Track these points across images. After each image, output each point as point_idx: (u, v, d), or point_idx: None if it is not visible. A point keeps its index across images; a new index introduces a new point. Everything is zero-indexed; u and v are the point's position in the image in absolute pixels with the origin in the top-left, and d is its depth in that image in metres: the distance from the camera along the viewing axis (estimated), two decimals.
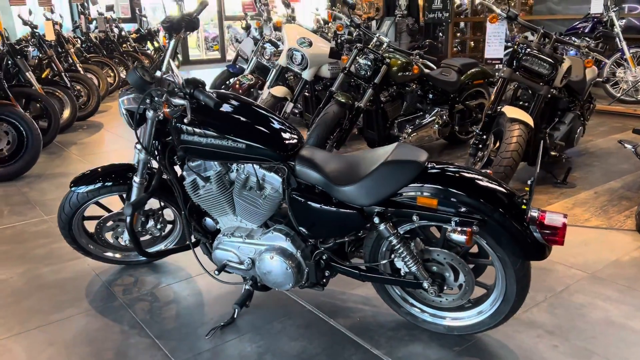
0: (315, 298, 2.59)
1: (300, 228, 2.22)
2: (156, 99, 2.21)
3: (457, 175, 2.03)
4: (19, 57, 6.05)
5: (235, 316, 2.37)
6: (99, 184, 2.60)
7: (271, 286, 2.33)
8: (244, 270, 2.36)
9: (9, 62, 6.12)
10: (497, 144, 3.64)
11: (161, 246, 2.88)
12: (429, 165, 2.06)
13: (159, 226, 2.72)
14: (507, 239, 1.95)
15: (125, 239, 2.68)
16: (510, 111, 3.59)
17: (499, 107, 3.73)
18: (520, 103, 3.99)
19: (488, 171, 2.12)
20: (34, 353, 2.23)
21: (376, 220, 2.06)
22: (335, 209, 2.12)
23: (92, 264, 2.95)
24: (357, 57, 4.43)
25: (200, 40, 15.72)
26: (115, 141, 6.01)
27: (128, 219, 2.40)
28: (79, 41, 9.37)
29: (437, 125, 4.80)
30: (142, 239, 2.78)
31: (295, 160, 2.18)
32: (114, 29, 10.84)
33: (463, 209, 1.95)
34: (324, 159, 2.19)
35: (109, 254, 2.85)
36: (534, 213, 1.95)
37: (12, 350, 2.25)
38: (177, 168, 2.43)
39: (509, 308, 2.10)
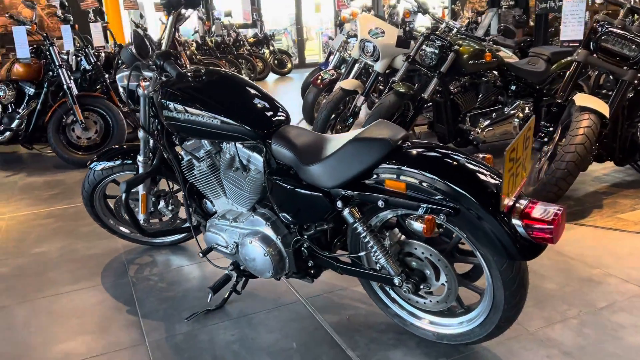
0: (312, 291, 2.42)
1: (282, 213, 2.07)
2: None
3: (436, 156, 1.75)
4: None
5: (209, 300, 2.28)
6: (112, 162, 2.67)
7: (253, 273, 2.21)
8: (229, 254, 2.27)
9: (120, 61, 6.69)
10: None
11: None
12: (405, 145, 1.81)
13: (170, 207, 2.73)
14: (484, 233, 1.63)
15: (141, 217, 2.73)
16: (582, 99, 3.09)
17: (571, 95, 3.24)
18: (604, 92, 3.43)
19: (486, 156, 1.80)
20: (27, 319, 2.34)
21: (339, 204, 1.85)
22: (303, 191, 1.94)
23: (123, 243, 3.06)
24: (423, 45, 4.14)
25: (319, 43, 16.03)
26: None
27: (123, 196, 2.43)
28: (195, 44, 9.99)
29: (517, 120, 4.32)
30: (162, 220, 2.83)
31: (272, 138, 2.04)
32: (231, 33, 11.44)
33: (436, 196, 1.67)
34: (302, 137, 2.03)
35: (126, 230, 2.92)
36: (522, 204, 1.62)
37: (9, 315, 2.38)
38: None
39: (499, 317, 1.77)
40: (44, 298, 2.51)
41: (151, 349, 2.07)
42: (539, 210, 1.59)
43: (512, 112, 4.36)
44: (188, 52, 9.30)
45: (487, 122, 4.30)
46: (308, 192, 1.92)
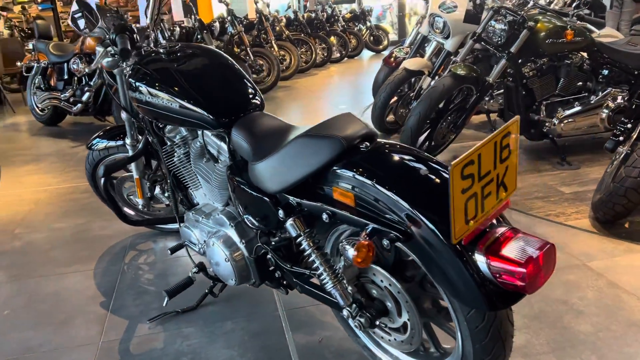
0: (297, 302, 2.13)
1: (244, 215, 1.80)
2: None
3: (397, 164, 1.37)
4: (205, 31, 6.57)
5: (165, 304, 2.08)
6: (113, 142, 2.54)
7: (219, 277, 1.96)
8: (199, 254, 2.05)
9: (198, 36, 6.70)
10: None
11: None
12: (363, 146, 1.43)
13: (166, 194, 2.56)
14: (439, 268, 1.24)
15: (139, 202, 2.58)
16: None
17: None
18: None
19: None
20: (7, 300, 2.29)
21: (281, 213, 1.53)
22: (253, 193, 1.65)
23: (134, 227, 2.95)
24: (492, 20, 3.58)
25: None
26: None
27: (102, 180, 2.29)
28: (284, 20, 9.84)
29: (606, 111, 3.63)
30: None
31: (233, 127, 1.76)
32: (326, 9, 11.15)
33: (388, 214, 1.30)
34: (265, 128, 1.72)
35: (132, 212, 2.80)
36: (497, 233, 1.20)
37: None
38: None
39: None
40: (33, 279, 2.47)
41: (99, 352, 1.91)
42: (513, 246, 1.17)
43: (600, 101, 3.67)
44: (277, 28, 9.19)
45: (568, 112, 3.66)
46: (255, 194, 1.62)
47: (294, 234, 1.53)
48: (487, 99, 4.04)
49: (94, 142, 2.58)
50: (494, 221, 1.26)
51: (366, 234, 1.27)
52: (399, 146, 1.44)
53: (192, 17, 6.80)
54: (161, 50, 1.97)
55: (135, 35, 1.95)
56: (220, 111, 1.77)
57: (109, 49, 2.00)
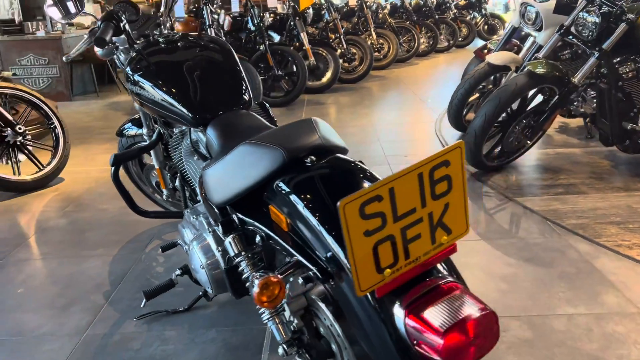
0: None
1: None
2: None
3: (341, 186, 1.15)
4: (298, 18, 6.51)
5: (142, 305, 2.00)
6: (140, 129, 2.52)
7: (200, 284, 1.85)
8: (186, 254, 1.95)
9: (291, 22, 6.66)
10: None
11: None
12: (308, 160, 1.22)
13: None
14: (357, 320, 1.01)
15: (164, 193, 2.56)
16: None
17: None
18: None
19: None
20: (27, 277, 2.37)
21: (219, 230, 1.36)
22: (206, 202, 1.50)
23: None
24: (583, 11, 3.08)
25: None
26: (356, 112, 5.90)
27: (112, 170, 2.26)
28: (388, 7, 9.52)
29: None
30: None
31: (209, 126, 1.62)
32: None
33: (317, 248, 1.09)
34: (237, 127, 1.56)
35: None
36: (427, 287, 0.95)
37: (17, 270, 2.45)
38: None
39: None
40: (58, 259, 2.54)
41: (80, 345, 1.89)
42: (441, 307, 0.91)
43: None
44: (380, 16, 8.91)
45: None
46: (207, 204, 1.47)
47: (231, 254, 1.36)
48: (578, 101, 3.53)
49: (124, 128, 2.58)
50: (443, 271, 1.00)
51: (281, 269, 1.08)
52: (353, 164, 1.22)
53: (287, 3, 6.76)
54: (160, 40, 1.88)
55: (123, 24, 1.87)
56: (198, 107, 1.64)
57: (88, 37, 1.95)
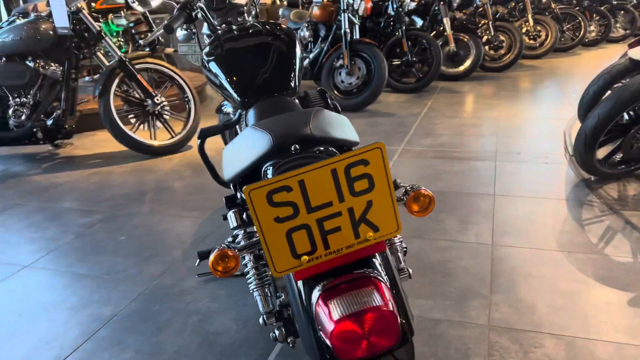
0: None
1: None
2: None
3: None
4: (442, 3, 6.36)
5: (197, 264, 2.22)
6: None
7: None
8: None
9: (436, 7, 6.52)
10: None
11: None
12: (293, 149, 1.29)
13: None
14: (290, 300, 1.09)
15: None
16: None
17: None
18: None
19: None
20: (128, 227, 2.77)
21: (227, 207, 1.49)
22: None
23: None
24: None
25: None
26: (490, 105, 5.64)
27: (198, 143, 2.51)
28: None
29: None
30: None
31: (250, 108, 1.76)
32: None
33: None
34: (267, 113, 1.68)
35: None
36: (352, 277, 1.00)
37: (126, 221, 2.86)
38: None
39: None
40: (160, 215, 2.92)
41: (147, 290, 2.20)
42: (344, 300, 0.95)
43: None
44: (544, 1, 8.28)
45: None
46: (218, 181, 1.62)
47: (231, 226, 1.49)
48: None
49: (222, 105, 2.84)
50: (372, 266, 1.03)
51: (244, 244, 1.19)
52: (324, 151, 1.27)
53: None
54: (234, 28, 2.05)
55: (195, 13, 2.07)
56: (244, 91, 1.79)
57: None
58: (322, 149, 1.32)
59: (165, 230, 2.73)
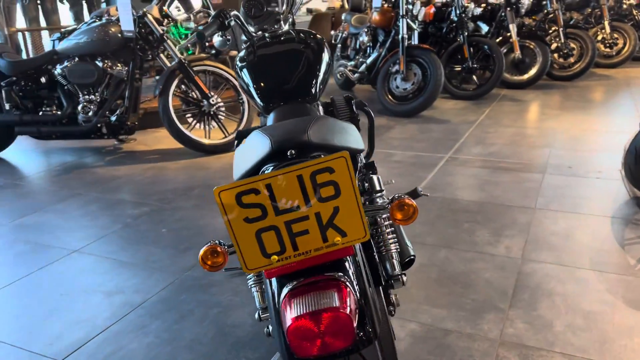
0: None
1: None
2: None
3: None
4: (509, 9, 6.21)
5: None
6: None
7: None
8: None
9: (502, 13, 6.37)
10: None
11: None
12: (288, 153, 1.35)
13: None
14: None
15: None
16: None
17: None
18: None
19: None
20: (171, 220, 2.93)
21: None
22: None
23: None
24: None
25: None
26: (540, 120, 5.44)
27: (235, 143, 2.62)
28: None
29: None
30: None
31: (271, 113, 1.84)
32: None
33: None
34: (283, 118, 1.75)
35: None
36: (321, 278, 1.06)
37: (167, 213, 3.02)
38: None
39: None
40: (202, 210, 3.06)
41: (177, 281, 2.33)
42: (306, 299, 1.00)
43: None
44: (624, 6, 7.86)
45: None
46: None
47: None
48: None
49: None
50: (342, 269, 1.08)
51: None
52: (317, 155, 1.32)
53: None
54: (266, 35, 2.14)
55: (227, 21, 2.16)
56: (266, 97, 1.87)
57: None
58: (320, 154, 1.37)
59: (204, 225, 2.87)
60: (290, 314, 0.98)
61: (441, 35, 6.15)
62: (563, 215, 2.79)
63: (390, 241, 1.49)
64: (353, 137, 1.51)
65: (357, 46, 6.05)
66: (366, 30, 5.82)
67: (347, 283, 1.05)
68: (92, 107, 4.07)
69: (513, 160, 3.70)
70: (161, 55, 4.14)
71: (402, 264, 1.64)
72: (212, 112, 4.19)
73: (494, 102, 5.65)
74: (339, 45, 6.42)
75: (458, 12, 5.83)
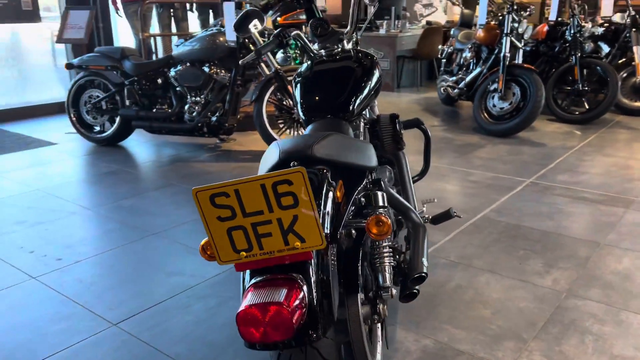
0: None
1: None
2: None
3: None
4: (635, 30, 5.80)
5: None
6: None
7: None
8: None
9: (627, 34, 5.96)
10: None
11: None
12: (292, 164, 1.50)
13: None
14: None
15: None
16: None
17: None
18: None
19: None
20: None
21: None
22: None
23: None
24: None
25: None
26: None
27: None
28: None
29: None
30: None
31: (309, 126, 2.01)
32: None
33: None
34: (316, 131, 1.89)
35: None
36: (279, 277, 1.21)
37: None
38: None
39: None
40: None
41: (227, 273, 2.57)
42: (261, 291, 1.15)
43: None
44: None
45: None
46: None
47: None
48: None
49: None
50: (304, 270, 1.22)
51: None
52: (315, 175, 1.45)
53: (628, 11, 6.03)
54: (323, 53, 2.30)
55: (285, 40, 2.34)
56: (307, 111, 2.04)
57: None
58: (323, 168, 1.51)
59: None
60: (244, 302, 1.14)
61: (553, 54, 5.89)
62: (631, 254, 2.62)
63: (385, 254, 1.58)
64: (362, 154, 1.63)
65: (461, 62, 6.00)
66: (470, 46, 5.76)
67: (302, 284, 1.18)
68: (196, 107, 4.50)
69: (598, 191, 3.50)
70: (262, 64, 4.47)
71: (412, 279, 1.73)
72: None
73: (603, 128, 5.31)
74: (444, 60, 6.39)
75: (572, 31, 5.55)
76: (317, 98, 2.05)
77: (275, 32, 2.46)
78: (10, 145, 4.96)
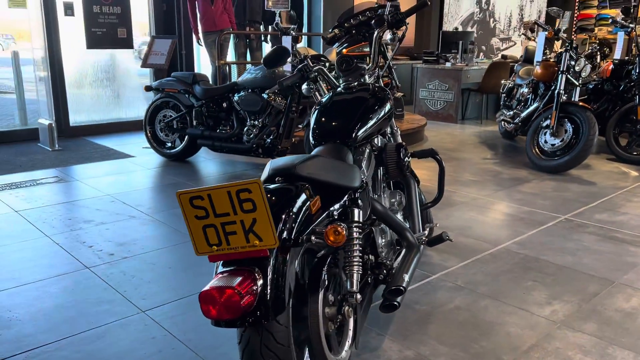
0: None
1: None
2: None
3: (279, 198, 1.69)
4: None
5: None
6: None
7: None
8: None
9: None
10: None
11: None
12: (277, 179, 1.76)
13: None
14: None
15: None
16: None
17: None
18: None
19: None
20: None
21: None
22: None
23: None
24: None
25: None
26: None
27: None
28: None
29: None
30: None
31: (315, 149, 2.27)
32: None
33: None
34: (320, 154, 2.15)
35: None
36: (243, 268, 1.48)
37: None
38: None
39: None
40: None
41: None
42: (223, 277, 1.42)
43: None
44: None
45: None
46: None
47: None
48: None
49: None
50: (262, 265, 1.47)
51: None
52: (293, 190, 1.70)
53: None
54: (343, 85, 2.57)
55: (307, 74, 2.61)
56: (314, 135, 2.30)
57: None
58: (304, 184, 1.76)
59: None
60: (208, 285, 1.41)
61: (617, 93, 5.78)
62: None
63: (355, 263, 1.80)
64: (343, 175, 1.87)
65: (519, 97, 6.03)
66: (528, 82, 5.79)
67: (258, 277, 1.44)
68: (254, 130, 4.90)
69: (632, 232, 3.46)
70: (316, 92, 4.80)
71: (389, 290, 1.94)
72: None
73: None
74: (504, 95, 6.44)
75: (638, 70, 5.45)
76: (325, 125, 2.31)
77: (299, 66, 2.76)
78: (95, 155, 5.61)
